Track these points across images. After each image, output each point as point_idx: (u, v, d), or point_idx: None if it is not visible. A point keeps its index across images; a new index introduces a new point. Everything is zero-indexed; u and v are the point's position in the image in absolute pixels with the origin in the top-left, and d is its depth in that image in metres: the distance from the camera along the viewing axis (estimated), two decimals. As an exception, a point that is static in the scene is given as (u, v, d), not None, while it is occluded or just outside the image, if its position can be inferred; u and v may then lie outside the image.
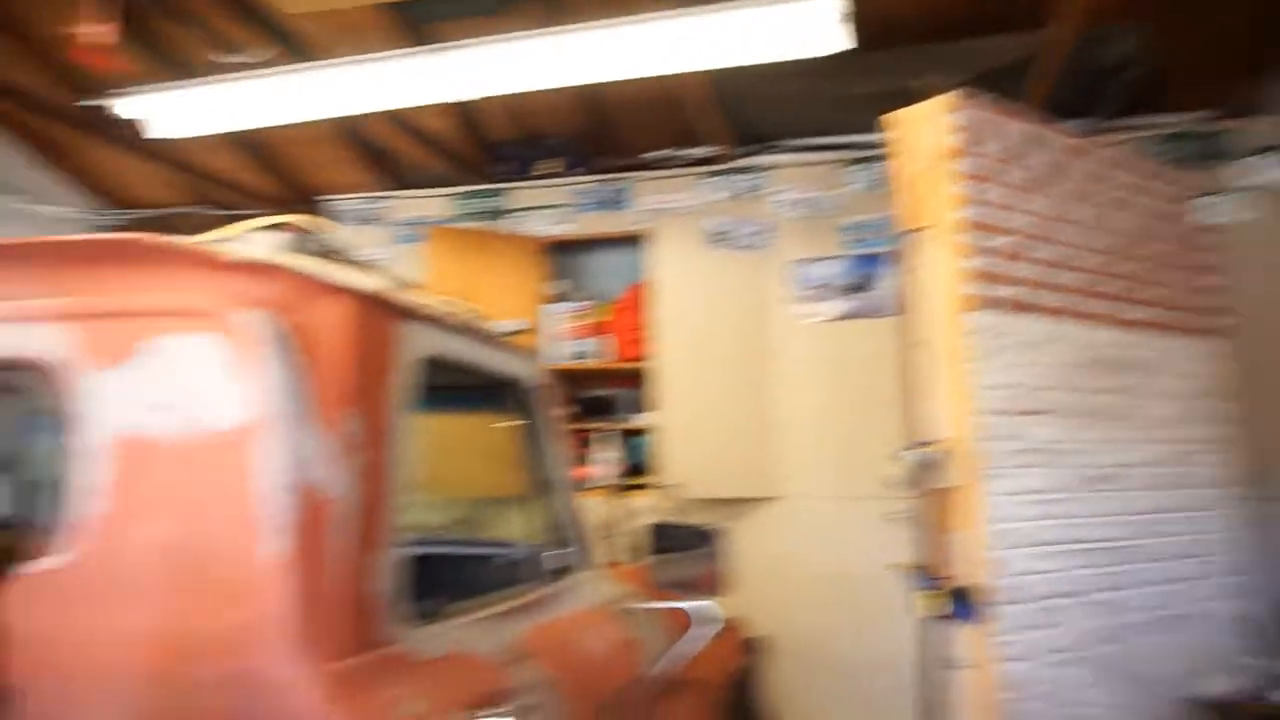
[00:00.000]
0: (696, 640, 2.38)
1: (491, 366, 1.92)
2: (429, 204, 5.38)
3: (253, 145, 5.52)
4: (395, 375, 1.46)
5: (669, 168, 5.04)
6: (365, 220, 5.48)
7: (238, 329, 1.29)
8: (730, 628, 2.85)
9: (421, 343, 1.57)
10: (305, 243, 1.62)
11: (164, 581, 1.29)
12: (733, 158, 4.92)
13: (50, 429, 1.39)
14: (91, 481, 1.32)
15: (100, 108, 3.81)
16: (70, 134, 5.55)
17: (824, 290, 4.64)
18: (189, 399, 1.30)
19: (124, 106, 3.52)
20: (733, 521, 4.17)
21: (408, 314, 1.54)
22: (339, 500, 1.29)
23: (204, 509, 1.29)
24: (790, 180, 4.79)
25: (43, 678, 1.19)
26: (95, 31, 2.18)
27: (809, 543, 4.47)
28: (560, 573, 2.10)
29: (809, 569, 4.40)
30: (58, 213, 6.16)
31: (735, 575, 2.52)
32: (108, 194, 6.47)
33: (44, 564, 1.05)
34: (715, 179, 4.90)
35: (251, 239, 1.59)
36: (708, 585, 2.43)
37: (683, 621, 2.40)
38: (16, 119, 5.61)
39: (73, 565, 1.28)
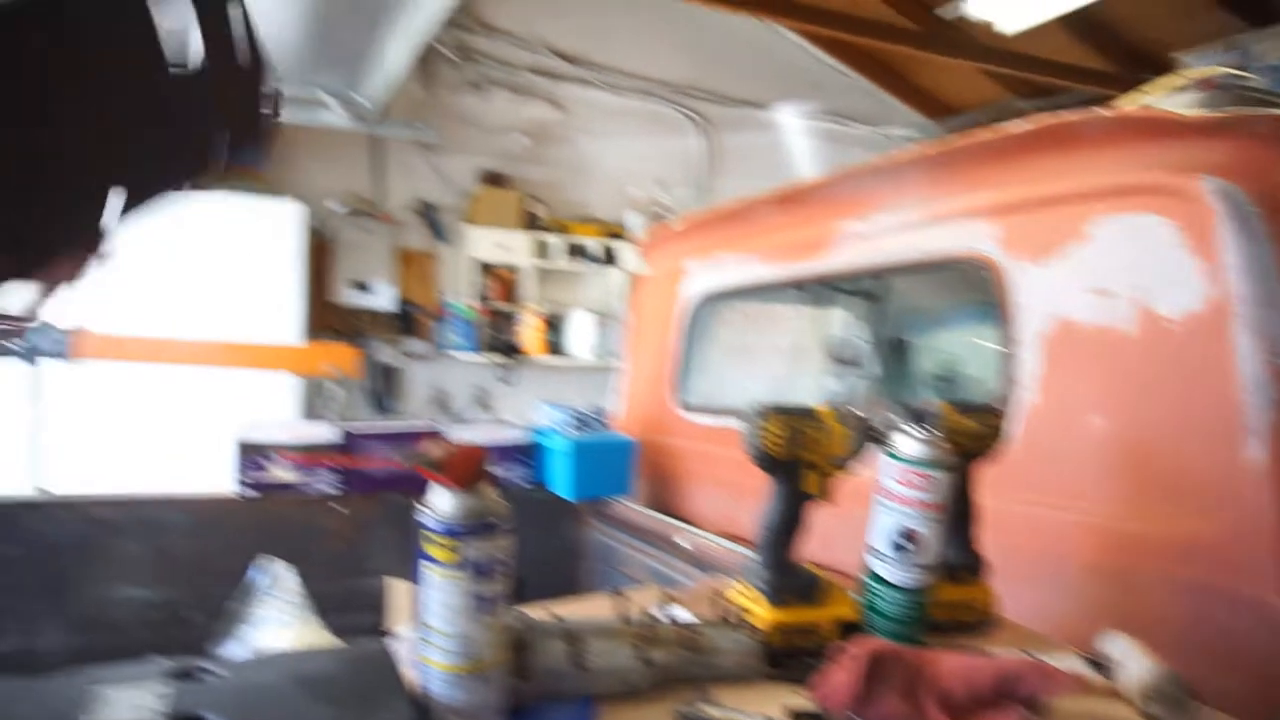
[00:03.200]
0: None
1: None
2: (1314, 36, 4.28)
3: (1082, 19, 5.17)
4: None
5: None
6: (1223, 75, 4.65)
7: (1192, 201, 1.13)
8: None
9: None
10: (1232, 96, 1.35)
11: (1105, 475, 1.24)
12: None
13: (990, 320, 1.46)
14: (1026, 371, 1.35)
15: (942, 19, 4.00)
16: (904, 53, 6.03)
17: None
18: (1134, 283, 1.20)
19: (974, 6, 3.62)
20: None
21: None
22: (1334, 400, 1.05)
23: (1154, 403, 1.19)
24: None
25: (997, 551, 1.27)
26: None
27: None
28: None
29: None
30: (893, 133, 6.83)
31: None
32: (935, 105, 6.91)
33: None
34: None
35: (1164, 102, 1.39)
36: None
37: None
38: (855, 48, 6.36)
39: (1012, 451, 1.33)
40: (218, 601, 1.81)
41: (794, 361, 3.14)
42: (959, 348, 2.35)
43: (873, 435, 0.98)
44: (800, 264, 1.94)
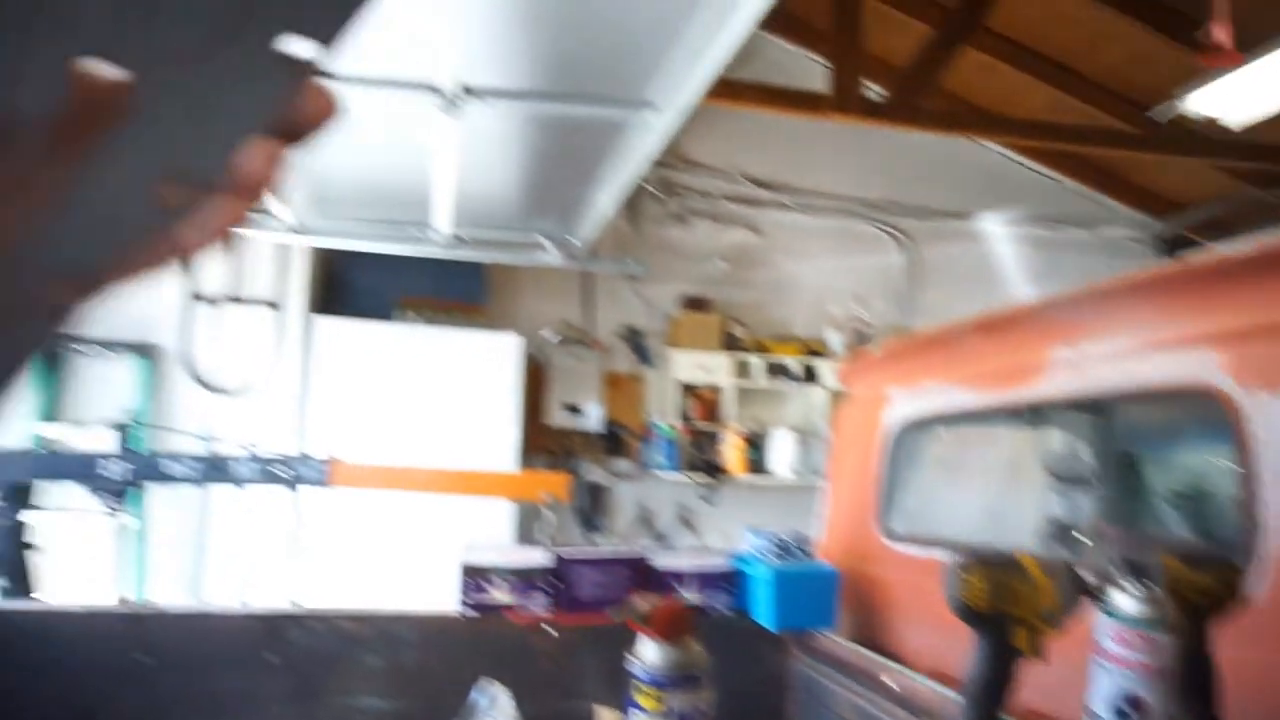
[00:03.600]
0: None
1: None
2: None
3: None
4: None
5: None
6: None
7: None
8: None
9: None
10: None
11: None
12: None
13: (1221, 456, 1.36)
14: (1272, 514, 1.23)
15: (1155, 120, 3.83)
16: (1122, 156, 5.77)
17: None
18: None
19: (1194, 104, 3.44)
20: None
21: None
22: None
23: None
24: None
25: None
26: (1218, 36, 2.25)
27: None
28: None
29: None
30: (1112, 234, 6.47)
31: None
32: (1158, 202, 6.49)
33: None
34: None
35: None
36: None
37: None
38: (1067, 155, 6.15)
39: (1259, 603, 1.20)
40: (445, 716, 1.93)
41: (1011, 482, 2.98)
42: (1199, 463, 2.16)
43: (1085, 589, 0.94)
44: (1006, 393, 1.88)
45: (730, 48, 2.05)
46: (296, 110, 0.35)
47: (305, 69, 0.33)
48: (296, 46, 0.32)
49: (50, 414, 4.00)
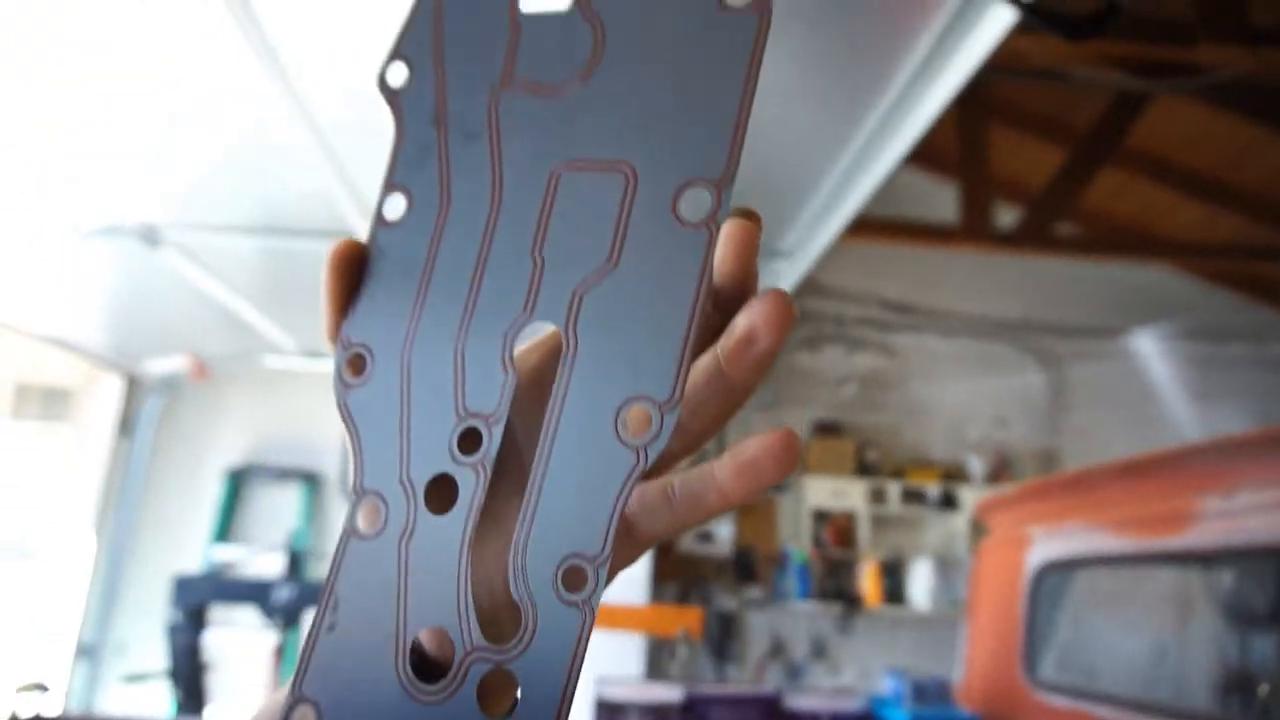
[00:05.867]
0: None
1: None
2: None
3: None
4: None
5: None
6: None
7: None
8: None
9: None
10: None
11: None
12: None
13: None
14: None
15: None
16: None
17: None
18: None
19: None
20: None
21: None
22: None
23: None
24: None
25: None
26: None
27: None
28: None
29: None
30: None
31: None
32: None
33: None
34: None
35: None
36: None
37: None
38: (1224, 268, 5.89)
39: None
40: None
41: (1178, 625, 2.78)
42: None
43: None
44: (1154, 540, 1.81)
45: (864, 198, 2.09)
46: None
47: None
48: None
49: (224, 536, 4.35)
